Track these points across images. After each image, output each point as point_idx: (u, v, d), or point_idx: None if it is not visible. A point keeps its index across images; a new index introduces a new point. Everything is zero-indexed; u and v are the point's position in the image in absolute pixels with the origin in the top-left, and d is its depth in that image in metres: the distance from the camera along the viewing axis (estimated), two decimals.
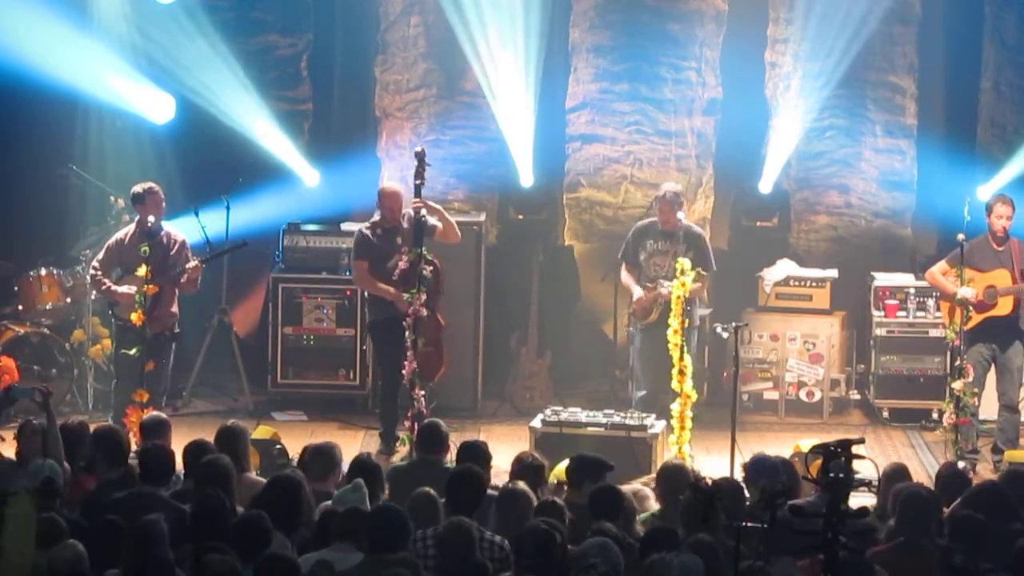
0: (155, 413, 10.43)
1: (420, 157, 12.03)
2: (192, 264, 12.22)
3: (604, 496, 8.36)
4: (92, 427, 9.77)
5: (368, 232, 12.38)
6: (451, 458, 9.72)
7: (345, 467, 9.24)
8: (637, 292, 12.37)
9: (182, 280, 12.23)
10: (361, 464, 8.94)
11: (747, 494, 8.66)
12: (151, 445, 9.11)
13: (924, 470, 12.14)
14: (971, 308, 11.83)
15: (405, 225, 12.11)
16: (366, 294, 12.55)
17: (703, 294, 12.69)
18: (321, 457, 9.19)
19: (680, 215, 12.29)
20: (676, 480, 8.71)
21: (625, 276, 12.59)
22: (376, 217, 12.42)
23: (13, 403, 10.11)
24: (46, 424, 9.36)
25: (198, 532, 7.59)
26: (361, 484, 8.40)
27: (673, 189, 12.53)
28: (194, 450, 9.14)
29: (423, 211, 11.89)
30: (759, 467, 8.98)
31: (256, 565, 7.08)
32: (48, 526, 7.49)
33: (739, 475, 9.63)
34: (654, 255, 12.36)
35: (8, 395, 10.08)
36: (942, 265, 12.29)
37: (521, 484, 8.45)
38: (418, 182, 12.04)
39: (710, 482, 8.26)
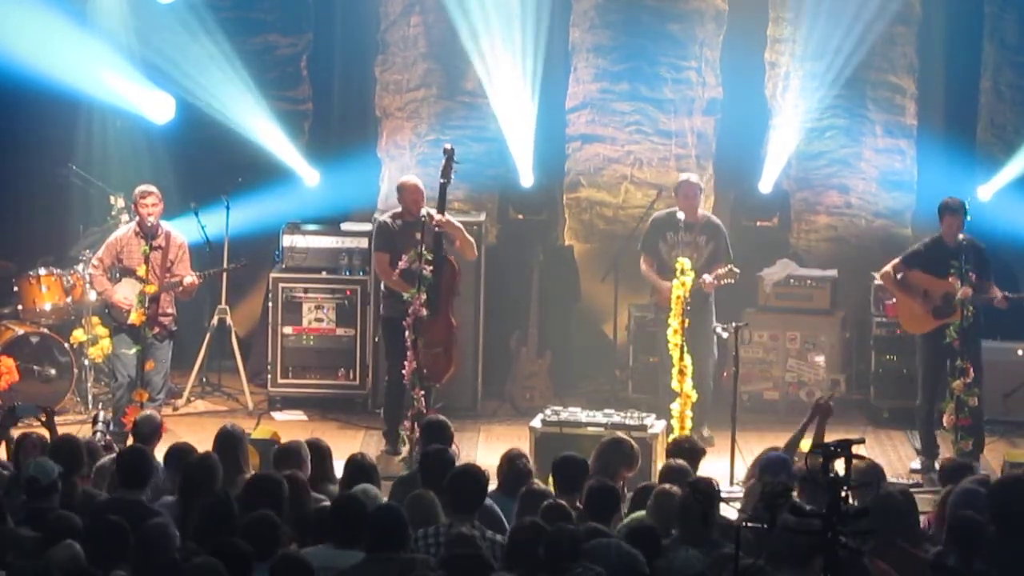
0: (147, 413, 10.38)
1: (449, 155, 11.94)
2: (190, 279, 12.24)
3: (601, 494, 8.33)
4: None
5: (390, 222, 12.22)
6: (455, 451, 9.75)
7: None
8: (663, 286, 12.32)
9: (178, 291, 12.26)
10: (356, 464, 8.92)
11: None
12: (130, 449, 9.07)
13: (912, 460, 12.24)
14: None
15: (423, 219, 11.90)
16: (382, 287, 12.37)
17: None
18: (288, 456, 9.15)
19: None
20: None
21: (645, 268, 12.62)
22: (398, 209, 12.31)
23: (16, 422, 10.14)
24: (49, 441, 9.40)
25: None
26: (371, 487, 8.41)
27: (693, 178, 12.70)
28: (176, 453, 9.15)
29: (432, 218, 11.85)
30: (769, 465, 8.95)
31: (272, 566, 7.08)
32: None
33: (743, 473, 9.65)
34: (676, 247, 12.34)
35: (12, 414, 10.11)
36: (898, 265, 12.21)
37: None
38: (443, 180, 11.97)
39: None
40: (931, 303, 11.88)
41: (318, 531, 7.84)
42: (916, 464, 12.12)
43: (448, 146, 12.11)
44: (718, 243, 12.50)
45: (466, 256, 12.28)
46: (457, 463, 9.09)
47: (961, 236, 11.82)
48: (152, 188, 12.27)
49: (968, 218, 11.88)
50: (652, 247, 12.59)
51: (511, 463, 9.12)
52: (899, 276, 12.13)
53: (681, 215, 12.37)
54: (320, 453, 9.24)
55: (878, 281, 13.67)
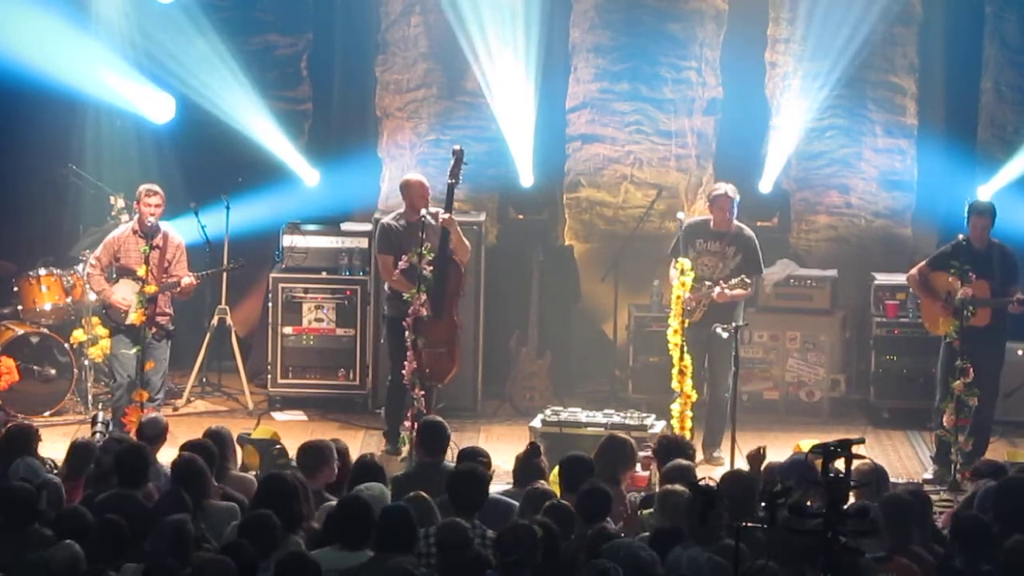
0: (152, 416, 10.40)
1: (458, 156, 11.92)
2: (188, 280, 12.22)
3: (592, 497, 8.32)
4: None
5: (393, 224, 12.17)
6: (451, 457, 9.72)
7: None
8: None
9: (175, 291, 12.24)
10: (365, 465, 8.93)
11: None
12: (127, 446, 9.07)
13: (924, 470, 12.18)
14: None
15: (430, 220, 11.81)
16: (386, 287, 12.31)
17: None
18: (310, 454, 9.15)
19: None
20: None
21: (673, 273, 12.45)
22: (400, 210, 12.28)
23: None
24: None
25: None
26: (383, 488, 8.41)
27: (731, 191, 12.31)
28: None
29: (437, 217, 11.81)
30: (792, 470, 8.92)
31: (277, 565, 7.08)
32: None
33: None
34: (703, 255, 12.17)
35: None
36: (923, 268, 12.18)
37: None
38: (451, 181, 11.95)
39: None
40: (952, 305, 11.84)
41: (326, 533, 7.86)
42: (928, 475, 11.96)
43: (457, 147, 12.09)
44: (747, 255, 12.23)
45: (458, 257, 12.23)
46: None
47: (993, 240, 11.86)
48: (157, 188, 12.22)
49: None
50: (683, 254, 12.23)
51: (528, 461, 9.15)
52: (923, 278, 12.12)
53: (711, 223, 12.26)
54: (221, 441, 9.34)
55: (879, 281, 13.72)
